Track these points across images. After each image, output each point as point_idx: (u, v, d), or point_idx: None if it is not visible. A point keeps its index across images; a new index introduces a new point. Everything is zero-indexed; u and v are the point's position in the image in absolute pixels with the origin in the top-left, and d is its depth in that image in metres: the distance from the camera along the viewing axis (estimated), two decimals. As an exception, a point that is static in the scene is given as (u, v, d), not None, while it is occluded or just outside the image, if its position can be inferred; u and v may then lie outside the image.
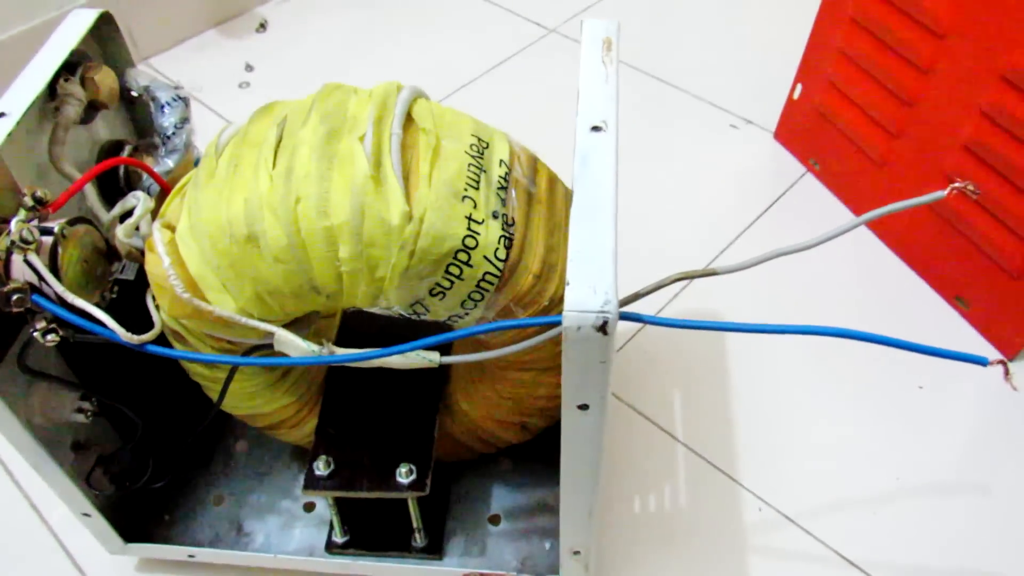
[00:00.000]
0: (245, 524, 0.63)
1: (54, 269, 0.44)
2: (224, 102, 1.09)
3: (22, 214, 0.44)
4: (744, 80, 1.07)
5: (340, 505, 0.57)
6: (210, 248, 0.45)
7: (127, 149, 0.59)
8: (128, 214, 0.50)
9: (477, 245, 0.44)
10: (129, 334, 0.45)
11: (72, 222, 0.47)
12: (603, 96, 0.47)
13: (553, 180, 0.52)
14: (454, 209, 0.44)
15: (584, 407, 0.41)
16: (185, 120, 0.58)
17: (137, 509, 0.62)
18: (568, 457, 0.45)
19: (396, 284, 0.45)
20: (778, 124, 0.97)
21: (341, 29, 1.20)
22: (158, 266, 0.45)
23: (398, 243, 0.43)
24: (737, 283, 0.81)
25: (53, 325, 0.46)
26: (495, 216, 0.46)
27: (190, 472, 0.65)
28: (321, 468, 0.54)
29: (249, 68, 1.13)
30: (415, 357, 0.46)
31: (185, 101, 0.58)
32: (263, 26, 1.20)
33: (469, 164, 0.46)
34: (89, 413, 0.53)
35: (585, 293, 0.37)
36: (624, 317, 0.38)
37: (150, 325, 0.47)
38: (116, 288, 0.51)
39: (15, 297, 0.43)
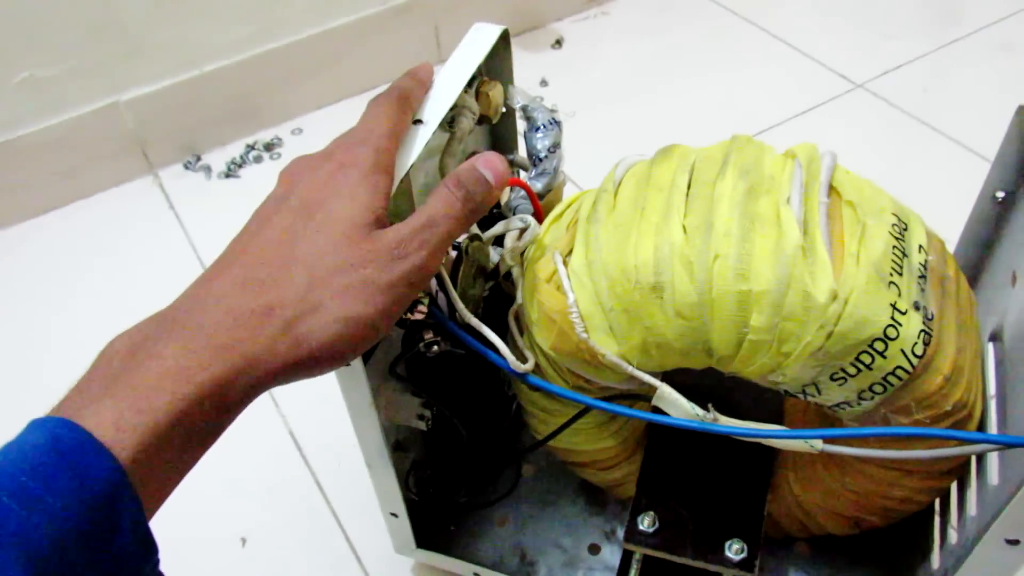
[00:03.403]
0: (528, 553, 0.62)
1: (453, 284, 0.45)
2: (517, 113, 1.10)
3: (434, 224, 0.45)
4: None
5: (645, 563, 0.55)
6: (607, 289, 0.44)
7: (488, 163, 0.59)
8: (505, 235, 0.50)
9: (897, 337, 0.41)
10: (516, 361, 0.44)
11: (471, 238, 0.47)
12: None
13: (959, 271, 0.48)
14: (880, 294, 0.41)
15: (1015, 542, 0.37)
16: (557, 145, 0.57)
17: (429, 515, 0.62)
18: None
19: (800, 362, 0.42)
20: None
21: (636, 54, 1.19)
22: (559, 300, 0.44)
23: (818, 321, 0.41)
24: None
25: (438, 337, 0.46)
26: (916, 307, 0.42)
27: (479, 488, 0.65)
28: (645, 524, 0.52)
29: (544, 83, 1.14)
30: (800, 441, 0.43)
31: (559, 125, 0.57)
32: (559, 43, 1.21)
33: (893, 247, 0.43)
34: (429, 421, 0.53)
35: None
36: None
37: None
38: (482, 307, 0.51)
39: (419, 306, 0.44)
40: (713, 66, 1.16)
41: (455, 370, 0.52)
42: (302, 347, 0.34)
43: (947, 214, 0.59)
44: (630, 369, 0.44)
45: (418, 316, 0.44)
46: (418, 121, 0.48)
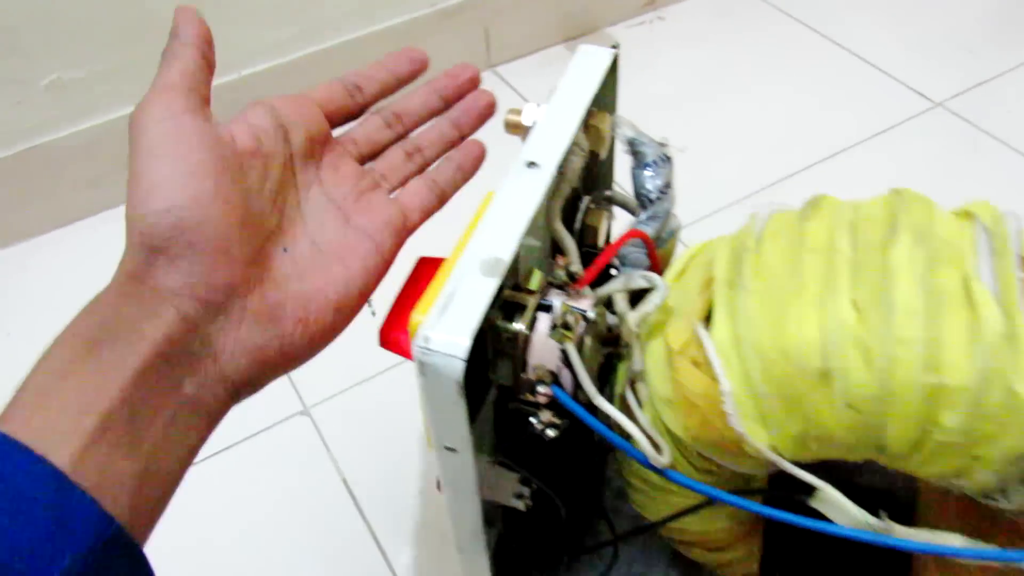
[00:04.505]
0: (617, 633, 0.56)
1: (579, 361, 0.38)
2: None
3: (559, 292, 0.39)
4: None
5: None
6: (760, 371, 0.38)
7: (585, 202, 0.53)
8: (634, 295, 0.44)
9: (1111, 440, 0.35)
10: (656, 455, 0.38)
11: (597, 303, 0.40)
12: None
13: None
14: (1094, 391, 0.35)
15: None
16: (669, 184, 0.51)
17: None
18: None
19: (995, 468, 0.36)
20: None
21: (694, 62, 1.12)
22: (704, 384, 0.38)
23: (1022, 424, 0.34)
24: None
25: (556, 419, 0.40)
26: None
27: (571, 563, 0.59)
28: (774, 623, 0.46)
29: (599, 93, 1.08)
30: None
31: (670, 161, 0.51)
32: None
33: (1100, 331, 0.36)
34: (527, 499, 0.47)
35: None
36: None
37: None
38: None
39: (542, 387, 0.37)
40: (776, 78, 1.09)
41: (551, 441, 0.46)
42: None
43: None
44: (785, 464, 0.38)
45: (541, 399, 0.38)
46: (532, 164, 0.42)
